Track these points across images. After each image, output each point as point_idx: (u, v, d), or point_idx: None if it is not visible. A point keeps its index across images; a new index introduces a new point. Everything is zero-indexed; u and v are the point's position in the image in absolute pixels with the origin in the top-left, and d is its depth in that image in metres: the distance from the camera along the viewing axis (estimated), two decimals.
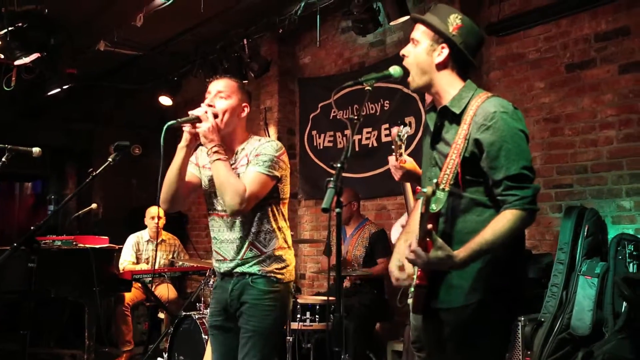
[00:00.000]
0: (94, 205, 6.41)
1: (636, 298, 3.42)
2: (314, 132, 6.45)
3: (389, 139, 5.60)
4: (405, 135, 2.81)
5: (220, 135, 2.70)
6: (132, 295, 6.01)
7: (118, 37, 6.13)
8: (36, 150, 3.74)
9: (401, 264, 2.32)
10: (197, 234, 8.36)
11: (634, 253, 3.63)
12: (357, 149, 5.92)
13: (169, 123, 2.71)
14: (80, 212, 6.53)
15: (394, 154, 2.82)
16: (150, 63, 7.43)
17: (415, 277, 2.19)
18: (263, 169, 2.65)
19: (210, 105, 2.76)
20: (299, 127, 6.67)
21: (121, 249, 6.20)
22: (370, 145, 5.77)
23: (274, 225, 2.75)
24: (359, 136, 5.88)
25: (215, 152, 2.65)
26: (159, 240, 6.42)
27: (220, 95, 2.78)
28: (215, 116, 2.72)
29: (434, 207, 2.03)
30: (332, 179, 2.12)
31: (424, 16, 2.27)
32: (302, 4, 5.54)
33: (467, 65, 2.25)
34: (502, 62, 4.68)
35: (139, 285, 6.04)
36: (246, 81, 6.50)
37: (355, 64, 6.07)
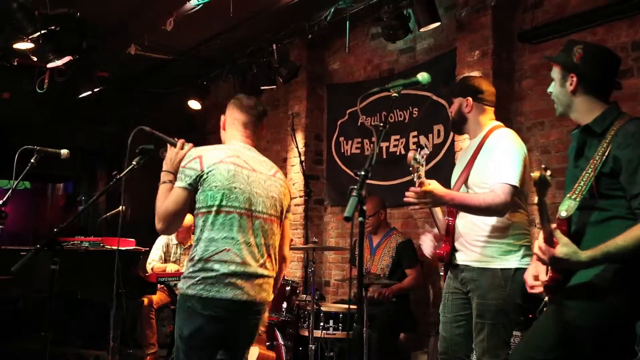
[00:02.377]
0: (121, 208, 6.46)
1: None
2: (341, 139, 6.41)
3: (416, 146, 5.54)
4: (424, 157, 2.80)
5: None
6: (157, 298, 6.04)
7: (149, 41, 6.20)
8: (64, 152, 3.77)
9: (536, 274, 2.47)
10: None
11: None
12: (384, 156, 5.87)
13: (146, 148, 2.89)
14: (108, 214, 6.58)
15: (415, 181, 2.81)
16: (180, 67, 7.50)
17: (546, 278, 2.34)
18: (176, 182, 2.74)
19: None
20: (326, 133, 6.64)
21: (148, 251, 6.24)
22: (398, 153, 5.71)
23: (196, 237, 2.73)
24: (387, 143, 5.82)
25: (164, 175, 2.83)
26: (187, 245, 6.45)
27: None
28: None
29: (564, 214, 2.23)
30: (355, 186, 2.10)
31: (552, 56, 2.56)
32: (332, 10, 5.53)
33: (603, 87, 2.44)
34: (535, 71, 4.59)
35: (165, 287, 6.06)
36: (274, 86, 6.52)
37: (385, 71, 6.03)
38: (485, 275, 3.15)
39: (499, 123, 3.33)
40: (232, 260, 2.63)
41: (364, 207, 2.06)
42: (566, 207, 2.24)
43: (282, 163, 7.36)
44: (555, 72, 2.48)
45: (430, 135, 5.41)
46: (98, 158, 9.11)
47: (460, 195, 3.12)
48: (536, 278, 2.45)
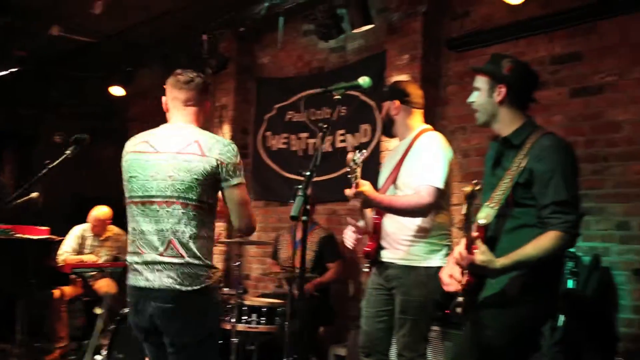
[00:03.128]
0: (34, 194, 6.21)
1: (573, 313, 3.54)
2: (268, 133, 6.43)
3: (344, 144, 5.65)
4: (361, 159, 2.91)
5: None
6: (70, 290, 5.87)
7: (73, 24, 5.98)
8: None
9: (451, 274, 2.56)
10: None
11: (574, 270, 3.76)
12: (310, 153, 5.94)
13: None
14: (19, 200, 6.31)
15: (352, 181, 2.91)
16: (104, 52, 7.27)
17: (463, 280, 2.43)
18: None
19: None
20: (253, 126, 6.64)
21: (62, 241, 6.04)
22: (324, 150, 5.80)
23: None
24: (314, 140, 5.90)
25: None
26: (103, 237, 6.29)
27: None
28: None
29: (482, 221, 2.35)
30: (301, 186, 2.18)
31: (480, 67, 2.66)
32: (267, 5, 5.53)
33: (525, 100, 2.56)
34: (460, 77, 4.78)
35: (78, 279, 5.89)
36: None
37: (315, 68, 6.09)
38: (409, 273, 3.28)
39: (427, 126, 3.47)
40: (135, 250, 2.59)
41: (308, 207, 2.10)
42: (485, 215, 2.37)
43: None
44: (482, 82, 2.58)
45: (357, 134, 5.53)
46: (9, 140, 8.69)
47: (387, 198, 3.24)
48: (451, 277, 2.56)
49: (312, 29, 6.00)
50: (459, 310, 2.45)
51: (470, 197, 2.27)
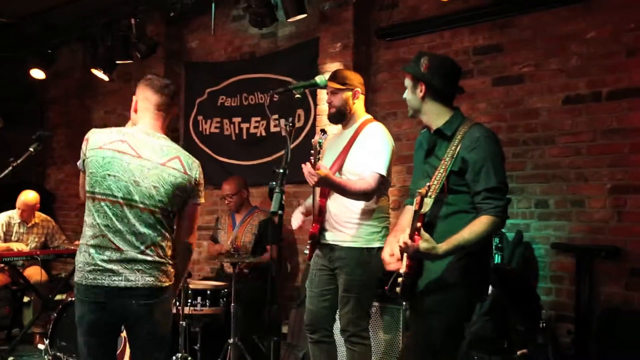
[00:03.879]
0: None
1: (500, 285, 3.92)
2: (199, 118, 6.47)
3: (277, 129, 5.80)
4: (324, 141, 3.09)
5: None
6: None
7: None
8: None
9: (392, 253, 2.80)
10: (65, 214, 8.05)
11: (499, 245, 4.13)
12: (244, 137, 6.06)
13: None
14: None
15: (311, 160, 3.09)
16: (21, 33, 7.04)
17: (404, 265, 2.64)
18: None
19: None
20: (183, 111, 6.65)
21: None
22: (258, 134, 5.93)
23: None
24: (247, 125, 6.01)
25: None
26: (30, 224, 6.17)
27: None
28: None
29: (423, 210, 2.52)
30: (276, 183, 2.34)
31: (405, 67, 2.87)
32: None
33: (447, 93, 2.78)
34: (390, 65, 5.03)
35: (4, 267, 5.79)
36: (131, 61, 6.41)
37: (246, 53, 6.18)
38: (352, 254, 3.53)
39: (370, 116, 3.71)
40: (107, 246, 2.65)
41: (283, 202, 2.27)
42: (424, 204, 2.52)
43: None
44: (407, 81, 2.81)
45: (290, 119, 5.67)
46: None
47: (340, 180, 3.45)
48: (391, 256, 2.79)
49: (241, 15, 6.12)
50: (397, 289, 2.68)
51: (424, 197, 2.50)
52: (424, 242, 2.49)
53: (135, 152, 2.70)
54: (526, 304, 3.74)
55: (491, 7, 4.46)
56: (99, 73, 6.62)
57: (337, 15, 5.09)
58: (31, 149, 2.91)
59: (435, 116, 2.76)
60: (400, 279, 2.68)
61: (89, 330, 2.70)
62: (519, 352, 3.65)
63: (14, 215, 6.08)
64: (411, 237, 2.51)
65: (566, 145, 4.12)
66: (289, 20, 5.03)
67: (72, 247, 5.85)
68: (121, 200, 2.66)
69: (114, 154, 2.68)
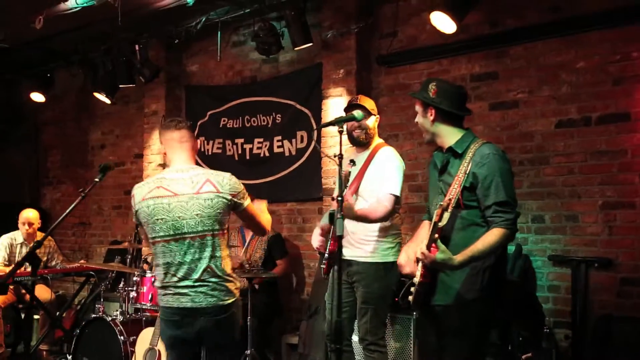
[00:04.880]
0: None
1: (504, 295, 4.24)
2: (201, 139, 6.69)
3: (280, 150, 6.07)
4: (355, 172, 3.42)
5: None
6: (3, 298, 5.89)
7: None
8: None
9: (407, 258, 3.02)
10: (62, 233, 8.17)
11: None
12: (247, 157, 6.31)
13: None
14: None
15: (344, 190, 3.41)
16: (18, 56, 7.17)
17: (418, 274, 2.83)
18: None
19: None
20: None
21: None
22: (262, 155, 6.20)
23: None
24: (250, 145, 6.27)
25: None
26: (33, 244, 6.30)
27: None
28: None
29: (440, 223, 2.71)
30: (337, 210, 2.62)
31: (414, 93, 3.12)
32: (203, 19, 5.83)
33: (456, 116, 3.00)
34: (390, 90, 5.36)
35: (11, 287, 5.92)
36: (133, 84, 6.63)
37: (247, 77, 6.45)
38: (370, 268, 3.83)
39: (382, 140, 4.03)
40: (172, 280, 3.04)
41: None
42: (442, 217, 2.72)
43: (133, 158, 7.46)
44: (417, 107, 3.04)
45: (293, 141, 5.97)
46: None
47: (361, 210, 3.71)
48: (407, 263, 3.00)
49: (241, 40, 6.41)
50: (410, 298, 2.88)
51: (444, 210, 2.72)
52: (440, 253, 2.65)
53: (171, 192, 3.04)
54: (530, 311, 4.07)
55: (487, 38, 4.82)
56: (101, 96, 6.81)
57: (340, 43, 5.40)
58: (96, 180, 3.15)
59: (448, 137, 2.97)
60: (412, 289, 2.89)
61: (170, 345, 3.12)
62: (523, 357, 3.98)
63: (15, 236, 6.22)
64: (428, 247, 2.68)
65: (560, 165, 4.49)
66: (296, 49, 5.33)
67: (76, 266, 6.05)
68: (172, 237, 3.02)
69: (155, 201, 3.02)
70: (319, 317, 5.05)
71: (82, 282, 6.37)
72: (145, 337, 4.33)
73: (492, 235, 2.72)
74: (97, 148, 7.93)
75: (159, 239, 3.03)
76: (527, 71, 4.67)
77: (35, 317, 6.46)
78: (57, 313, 6.22)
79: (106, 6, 5.05)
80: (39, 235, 6.36)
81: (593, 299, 4.27)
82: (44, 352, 6.24)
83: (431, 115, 2.97)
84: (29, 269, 5.94)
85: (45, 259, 6.35)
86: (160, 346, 4.06)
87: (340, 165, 2.98)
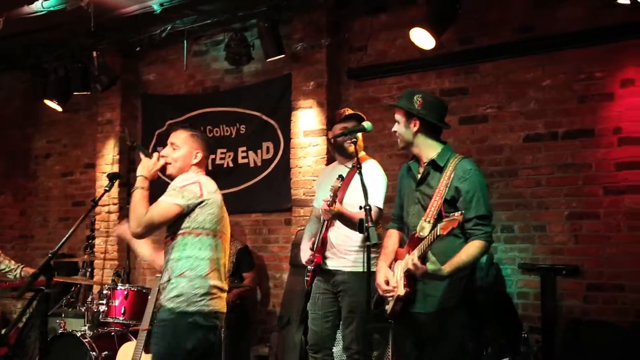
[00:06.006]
0: None
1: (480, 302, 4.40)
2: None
3: (245, 160, 6.05)
4: (340, 185, 3.56)
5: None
6: None
7: None
8: None
9: (386, 279, 3.07)
10: (0, 246, 7.74)
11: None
12: (210, 168, 6.22)
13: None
14: None
15: (327, 199, 3.50)
16: None
17: (401, 286, 2.90)
18: (165, 197, 3.02)
19: (163, 156, 3.20)
20: (141, 142, 6.72)
21: None
22: (225, 165, 6.14)
23: (182, 254, 2.99)
24: (213, 156, 6.19)
25: (141, 181, 3.09)
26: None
27: (173, 147, 3.20)
28: (168, 163, 3.17)
29: (422, 234, 2.82)
30: (366, 219, 2.69)
31: (397, 102, 3.12)
32: (169, 27, 5.75)
33: (437, 128, 3.06)
34: (359, 103, 5.44)
35: None
36: (88, 92, 6.43)
37: (209, 87, 6.39)
38: (355, 278, 3.86)
39: (364, 153, 4.10)
40: (220, 278, 3.06)
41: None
42: (424, 229, 2.87)
43: (83, 168, 7.21)
44: (399, 116, 3.07)
45: (259, 151, 5.96)
46: None
47: (350, 213, 3.80)
48: (387, 283, 3.05)
49: (203, 50, 6.37)
50: (387, 307, 3.00)
51: (434, 226, 2.80)
52: (431, 264, 2.75)
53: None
54: (507, 316, 4.24)
55: (457, 55, 5.01)
56: (52, 103, 6.57)
57: (310, 56, 5.46)
58: (106, 188, 3.06)
59: (427, 149, 3.05)
60: (390, 298, 2.99)
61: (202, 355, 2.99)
62: None
63: None
64: (421, 259, 2.77)
65: (528, 178, 4.71)
66: (268, 60, 5.34)
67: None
68: (227, 235, 3.08)
69: (221, 198, 3.12)
70: (291, 327, 5.07)
71: (29, 297, 6.07)
72: (125, 352, 4.18)
73: (474, 247, 2.86)
74: (42, 157, 7.60)
75: (222, 234, 3.08)
76: (496, 87, 4.88)
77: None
78: (2, 331, 5.93)
79: (73, 11, 4.88)
80: None
81: (561, 305, 4.49)
82: None
83: (415, 126, 3.03)
84: None
85: None
86: None
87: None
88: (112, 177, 3.18)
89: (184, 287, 2.93)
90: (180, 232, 2.99)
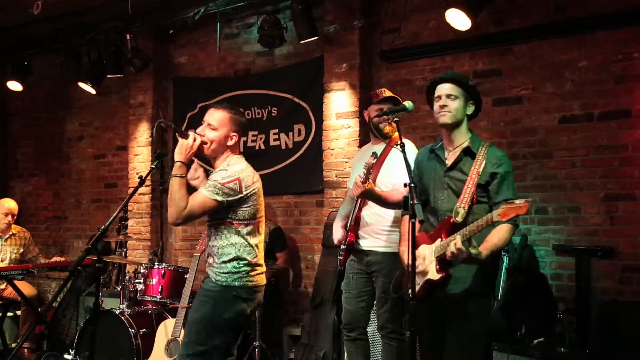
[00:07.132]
0: None
1: (513, 284, 4.41)
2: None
3: (277, 142, 6.09)
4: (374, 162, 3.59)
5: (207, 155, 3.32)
6: None
7: None
8: None
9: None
10: (33, 227, 7.91)
11: (506, 248, 4.62)
12: (241, 150, 6.27)
13: (167, 123, 3.49)
14: None
15: (360, 175, 3.54)
16: None
17: (433, 272, 2.98)
18: (205, 191, 3.08)
19: (200, 134, 3.24)
20: (173, 124, 6.76)
21: None
22: (257, 148, 6.20)
23: (226, 242, 3.16)
24: (244, 138, 6.25)
25: (178, 168, 3.12)
26: (8, 235, 6.14)
27: (211, 127, 3.25)
28: (204, 143, 3.21)
29: (459, 219, 2.88)
30: (411, 196, 2.73)
31: (459, 77, 3.14)
32: (202, 10, 5.78)
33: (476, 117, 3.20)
34: (392, 85, 5.43)
35: None
36: (122, 75, 6.51)
37: (240, 70, 6.43)
38: (389, 258, 3.90)
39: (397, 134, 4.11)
40: (260, 257, 3.27)
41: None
42: (459, 214, 2.94)
43: (115, 151, 7.31)
44: (458, 92, 3.06)
45: (290, 134, 6.00)
46: None
47: (381, 192, 3.82)
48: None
49: (234, 33, 6.39)
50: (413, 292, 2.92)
51: (468, 211, 2.92)
52: (473, 249, 2.81)
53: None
54: (542, 297, 4.25)
55: (491, 35, 4.99)
56: (86, 86, 6.65)
57: (343, 38, 5.47)
58: (153, 166, 3.13)
59: (462, 134, 3.13)
60: (419, 282, 3.02)
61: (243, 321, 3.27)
62: (535, 341, 4.15)
63: None
64: (464, 244, 2.81)
65: (562, 159, 4.70)
66: (302, 42, 5.36)
67: (63, 259, 5.94)
68: (264, 217, 3.30)
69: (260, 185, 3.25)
70: (325, 308, 5.12)
71: (63, 277, 6.22)
72: (165, 330, 4.27)
73: (504, 231, 2.92)
74: (74, 140, 7.72)
75: (259, 219, 3.24)
76: (531, 69, 4.86)
77: (9, 314, 6.27)
78: (40, 309, 6.08)
79: None
80: (14, 227, 6.19)
81: (595, 286, 4.49)
82: (25, 350, 6.06)
83: (470, 108, 3.13)
84: (3, 264, 5.82)
85: (22, 250, 6.17)
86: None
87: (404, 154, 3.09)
88: (158, 155, 3.24)
89: (230, 269, 3.12)
90: (223, 221, 3.14)
